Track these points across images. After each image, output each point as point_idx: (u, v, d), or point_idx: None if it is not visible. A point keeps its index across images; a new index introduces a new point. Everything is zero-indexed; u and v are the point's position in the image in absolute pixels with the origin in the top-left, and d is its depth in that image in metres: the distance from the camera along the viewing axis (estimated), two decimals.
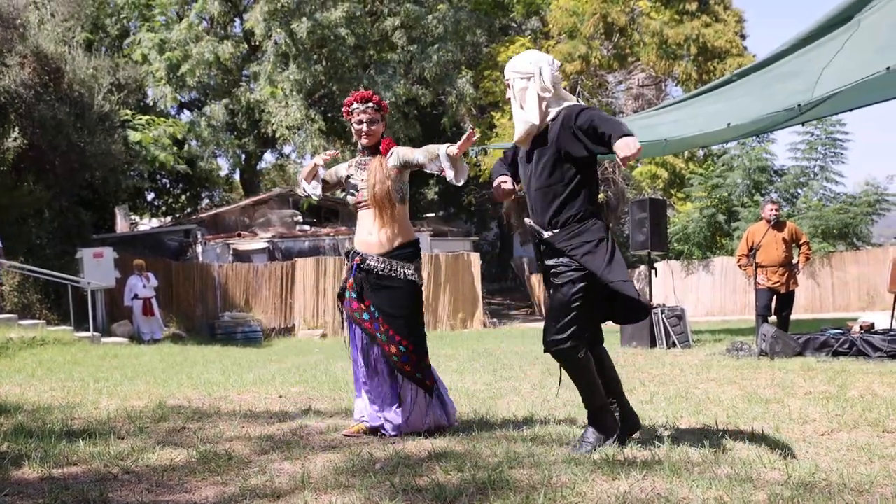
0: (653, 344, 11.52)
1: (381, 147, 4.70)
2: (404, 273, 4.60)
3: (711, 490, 3.16)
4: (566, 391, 6.71)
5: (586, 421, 4.22)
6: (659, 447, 4.04)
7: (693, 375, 7.62)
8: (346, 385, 7.04)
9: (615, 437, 4.13)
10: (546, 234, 4.09)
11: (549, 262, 4.11)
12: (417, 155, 4.59)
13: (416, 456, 4.03)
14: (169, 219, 30.48)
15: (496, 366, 9.36)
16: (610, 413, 4.19)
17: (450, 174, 4.48)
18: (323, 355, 12.83)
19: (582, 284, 3.99)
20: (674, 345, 11.42)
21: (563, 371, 4.17)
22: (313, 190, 4.91)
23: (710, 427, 4.58)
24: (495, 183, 4.34)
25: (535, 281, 29.28)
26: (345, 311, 4.73)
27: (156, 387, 7.26)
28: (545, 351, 4.11)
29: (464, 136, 4.41)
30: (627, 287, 3.93)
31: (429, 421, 4.64)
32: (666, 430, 4.53)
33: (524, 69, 4.20)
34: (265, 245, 23.48)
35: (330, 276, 21.62)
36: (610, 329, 15.37)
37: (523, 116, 4.15)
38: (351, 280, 4.64)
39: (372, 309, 4.57)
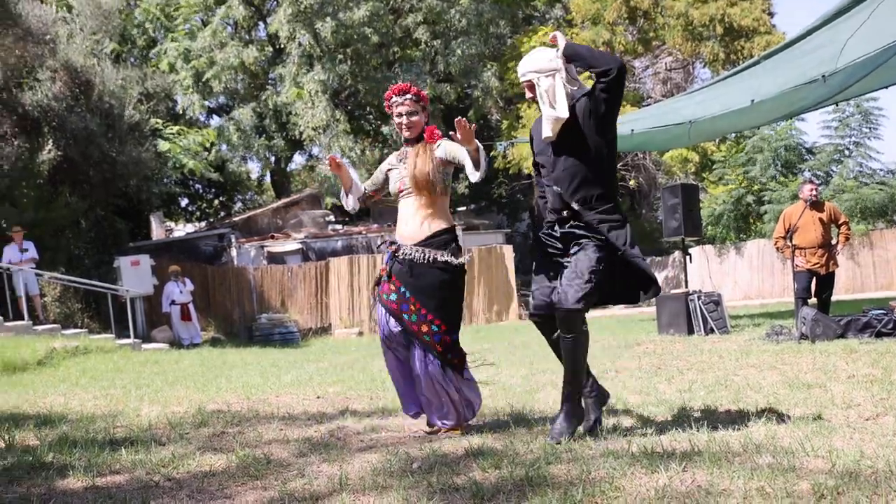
0: (690, 331, 11.40)
1: (426, 134, 4.67)
2: (439, 257, 4.55)
3: (753, 481, 3.11)
4: (602, 381, 6.69)
5: (561, 405, 4.29)
6: (699, 437, 3.99)
7: (732, 362, 7.53)
8: (383, 383, 7.06)
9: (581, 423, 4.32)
10: (575, 205, 4.16)
11: (573, 232, 4.19)
12: (463, 154, 4.53)
13: (454, 454, 4.02)
14: (203, 224, 30.76)
15: (532, 358, 9.33)
16: (581, 401, 4.31)
17: (469, 170, 4.45)
18: (359, 354, 12.89)
19: (603, 255, 4.12)
20: (712, 331, 11.30)
21: (563, 349, 4.20)
22: (351, 203, 4.94)
23: (751, 415, 4.52)
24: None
25: None
26: (376, 309, 4.73)
27: (195, 392, 7.34)
28: (555, 306, 4.09)
29: (460, 133, 4.28)
30: (645, 263, 4.17)
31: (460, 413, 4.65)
32: (705, 419, 4.47)
33: (547, 66, 4.20)
34: (298, 246, 23.61)
35: (364, 274, 21.69)
36: (647, 316, 15.21)
37: (554, 114, 4.16)
38: (385, 266, 4.65)
39: (402, 290, 4.54)
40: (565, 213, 4.24)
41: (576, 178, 4.20)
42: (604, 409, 4.45)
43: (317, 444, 4.50)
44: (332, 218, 25.97)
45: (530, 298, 4.40)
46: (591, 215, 4.17)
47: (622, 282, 4.26)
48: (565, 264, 4.22)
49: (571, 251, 4.21)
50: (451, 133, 4.41)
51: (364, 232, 24.22)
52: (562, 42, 4.20)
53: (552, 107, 4.18)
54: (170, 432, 5.05)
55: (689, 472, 3.32)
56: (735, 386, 5.91)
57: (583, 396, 4.37)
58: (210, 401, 6.53)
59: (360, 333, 21.07)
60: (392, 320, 4.58)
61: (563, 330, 4.14)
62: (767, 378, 6.25)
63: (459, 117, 4.41)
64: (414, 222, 4.60)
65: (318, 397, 6.61)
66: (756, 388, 5.72)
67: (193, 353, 14.41)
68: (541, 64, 4.22)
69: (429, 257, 4.54)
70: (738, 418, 4.52)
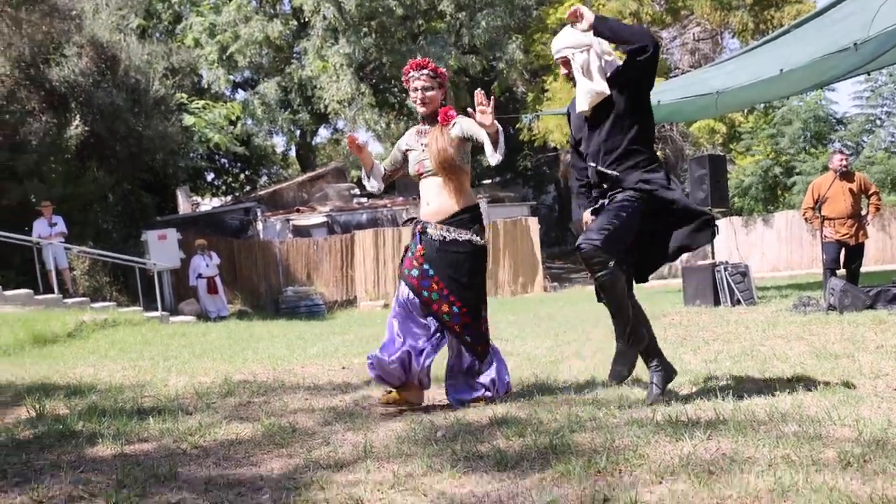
0: (717, 302, 11.33)
1: (440, 116, 4.65)
2: (464, 236, 4.54)
3: (778, 448, 3.09)
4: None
5: (649, 365, 4.32)
6: (724, 406, 3.97)
7: (759, 333, 7.48)
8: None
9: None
10: (616, 173, 4.17)
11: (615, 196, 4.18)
12: (481, 133, 4.51)
13: (478, 423, 4.03)
14: (229, 198, 30.94)
15: (557, 329, 9.32)
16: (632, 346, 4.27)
17: (489, 152, 4.41)
18: (385, 326, 12.94)
19: (639, 206, 4.11)
20: (738, 302, 11.22)
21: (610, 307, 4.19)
22: (374, 184, 4.92)
23: (777, 384, 4.48)
24: (584, 221, 4.49)
25: None
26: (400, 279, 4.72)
27: (222, 363, 7.41)
28: (577, 247, 4.10)
29: (479, 109, 4.27)
30: (698, 207, 4.20)
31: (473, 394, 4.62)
32: (731, 389, 4.45)
33: (580, 41, 4.19)
34: (324, 219, 23.69)
35: (389, 247, 21.74)
36: (673, 288, 15.10)
37: (593, 88, 4.15)
38: (421, 246, 4.60)
39: (426, 267, 4.53)
40: (605, 185, 4.25)
41: (613, 150, 4.20)
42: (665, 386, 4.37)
43: (342, 413, 4.53)
44: (356, 191, 26.00)
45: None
46: (633, 177, 4.16)
47: (678, 233, 4.22)
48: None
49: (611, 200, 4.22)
50: (468, 110, 4.38)
51: (389, 205, 24.24)
52: (589, 16, 4.11)
53: (590, 81, 4.17)
54: (197, 402, 5.11)
55: (714, 440, 3.31)
56: (761, 356, 5.86)
57: (650, 370, 4.36)
58: (236, 371, 6.59)
59: (386, 306, 21.14)
60: (411, 294, 4.56)
61: (590, 270, 4.11)
62: (794, 348, 6.20)
63: (479, 89, 4.38)
64: (437, 202, 4.59)
65: (344, 368, 6.66)
66: (783, 359, 5.67)
67: (220, 326, 14.54)
68: (575, 39, 4.20)
69: (454, 236, 4.53)
70: (764, 388, 4.48)
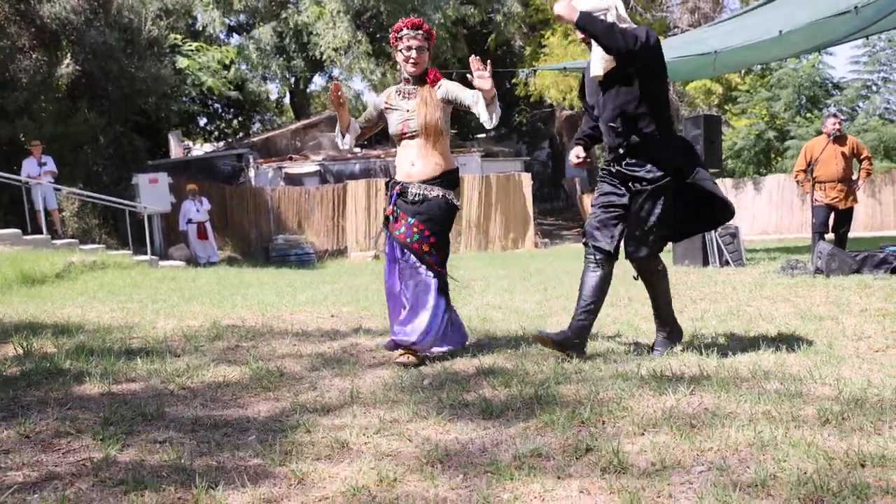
0: (706, 262, 11.38)
1: (428, 77, 4.61)
2: (441, 193, 4.56)
3: (760, 405, 3.13)
4: (612, 309, 6.71)
5: (658, 330, 4.53)
6: (708, 363, 4.01)
7: (746, 293, 7.52)
8: None
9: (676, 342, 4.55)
10: (633, 139, 4.21)
11: (634, 173, 4.24)
12: (466, 95, 4.48)
13: (464, 372, 4.07)
14: (221, 144, 30.70)
15: (547, 284, 9.36)
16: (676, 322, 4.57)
17: (484, 118, 4.38)
18: (374, 276, 12.96)
19: (666, 199, 4.20)
20: (727, 263, 11.27)
21: (646, 282, 4.42)
22: (348, 142, 4.88)
23: (761, 344, 4.53)
24: (571, 155, 4.70)
25: (587, 201, 28.94)
26: (386, 242, 4.71)
27: (211, 308, 7.41)
28: (627, 258, 4.32)
29: (476, 74, 4.23)
30: (716, 187, 4.27)
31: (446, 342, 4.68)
32: (715, 346, 4.49)
33: (598, 5, 4.15)
34: (316, 168, 23.58)
35: (381, 198, 21.70)
36: (664, 249, 15.09)
37: (607, 54, 4.09)
38: (391, 207, 4.61)
39: (410, 220, 4.54)
40: (621, 150, 4.27)
41: (628, 116, 4.21)
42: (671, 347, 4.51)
43: (329, 359, 4.56)
44: (352, 139, 25.81)
45: (588, 228, 4.37)
46: (648, 148, 4.21)
47: (696, 212, 4.33)
48: (627, 204, 4.27)
49: (633, 189, 4.25)
50: (468, 76, 4.34)
51: (382, 156, 24.13)
52: (571, 15, 4.02)
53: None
54: (185, 344, 5.13)
55: (697, 395, 3.35)
56: (747, 316, 5.91)
57: (658, 331, 4.56)
58: (225, 316, 6.61)
59: (376, 257, 21.15)
60: (398, 249, 4.57)
61: (642, 275, 4.39)
62: (780, 310, 6.25)
63: (473, 56, 4.33)
64: (422, 163, 4.58)
65: (333, 316, 6.68)
66: (768, 319, 5.72)
67: (210, 272, 14.54)
68: (592, 4, 4.16)
69: (438, 194, 4.54)
70: (748, 346, 4.53)
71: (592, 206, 4.49)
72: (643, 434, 2.87)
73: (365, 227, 21.86)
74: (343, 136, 4.89)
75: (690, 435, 2.79)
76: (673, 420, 2.98)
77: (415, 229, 4.51)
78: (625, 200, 4.28)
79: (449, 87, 4.58)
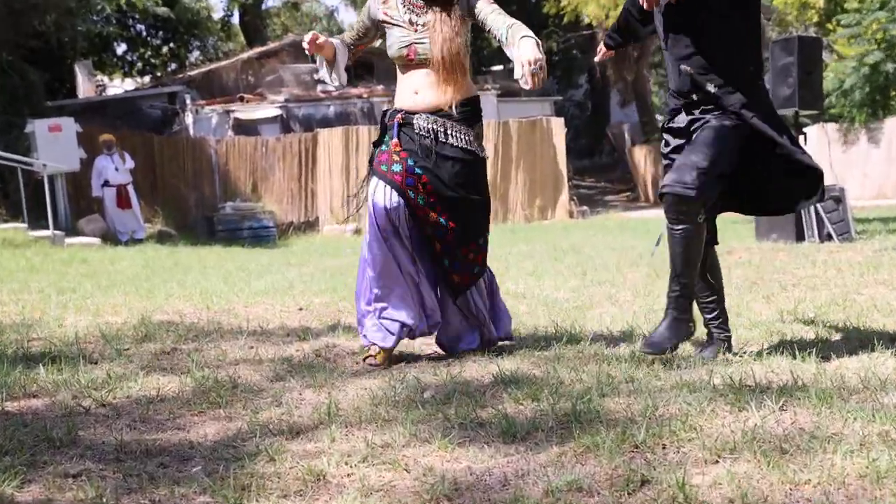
0: (800, 237, 11.38)
1: None
2: (462, 138, 4.56)
3: (875, 424, 3.15)
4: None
5: (668, 312, 4.48)
6: (804, 369, 4.03)
7: (855, 277, 7.54)
8: None
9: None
10: (711, 88, 4.28)
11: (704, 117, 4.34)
12: (498, 24, 4.47)
13: (478, 381, 4.09)
14: (147, 79, 30.67)
15: (586, 267, 9.38)
16: (691, 315, 4.54)
17: (518, 72, 4.36)
18: (355, 256, 12.96)
19: (737, 137, 4.28)
20: (829, 237, 11.28)
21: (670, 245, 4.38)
22: (337, 79, 4.90)
23: (877, 343, 4.54)
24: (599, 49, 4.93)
25: (641, 155, 28.97)
26: (370, 183, 4.69)
27: (138, 299, 7.44)
28: (660, 192, 4.32)
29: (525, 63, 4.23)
30: (810, 158, 4.36)
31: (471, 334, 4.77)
32: (814, 347, 4.51)
33: None
34: (277, 112, 23.56)
35: (363, 152, 21.65)
36: (742, 218, 15.24)
37: None
38: (396, 140, 4.60)
39: (410, 162, 4.54)
40: (694, 97, 4.37)
41: (708, 56, 4.30)
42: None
43: (298, 365, 4.59)
44: (343, 73, 25.76)
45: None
46: (731, 99, 4.29)
47: (776, 185, 4.43)
48: None
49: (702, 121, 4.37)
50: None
51: (365, 95, 24.10)
52: None
53: None
54: (103, 348, 5.15)
55: (789, 410, 3.37)
56: (857, 307, 5.93)
57: (707, 325, 4.63)
58: (157, 310, 6.64)
59: (358, 231, 21.17)
60: (394, 196, 4.54)
61: (671, 218, 4.29)
62: None
63: (527, 59, 4.26)
64: (430, 92, 4.58)
65: (301, 309, 6.70)
66: (885, 311, 5.73)
67: (134, 251, 14.55)
68: None
69: (450, 134, 4.54)
70: (858, 347, 4.54)
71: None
72: (717, 462, 2.89)
73: (342, 191, 21.85)
74: (331, 74, 4.90)
75: (781, 463, 2.81)
76: (757, 444, 2.99)
77: (421, 187, 4.54)
78: None
79: (476, 3, 4.58)
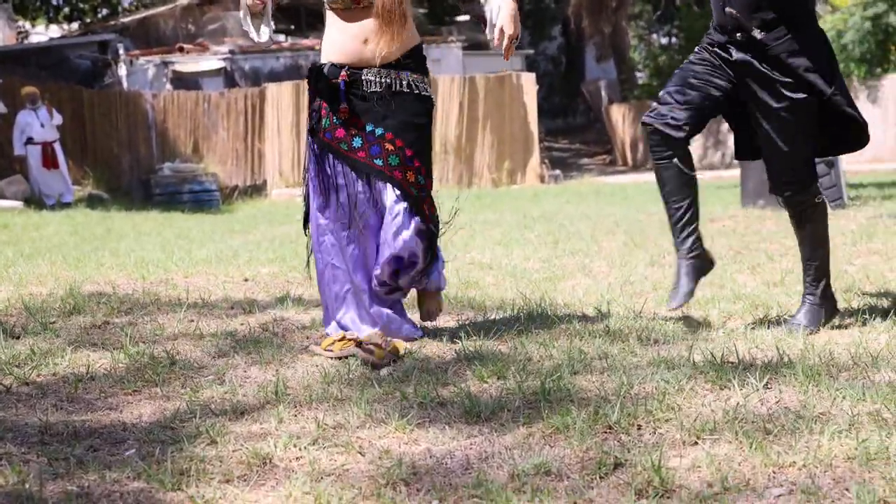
0: None
1: None
2: (417, 87, 4.55)
3: (865, 403, 3.19)
4: (652, 268, 6.78)
5: (806, 294, 4.64)
6: (790, 344, 4.08)
7: (846, 247, 7.61)
8: None
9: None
10: (758, 34, 4.37)
11: (762, 72, 4.43)
12: None
13: (439, 358, 4.12)
14: (76, 26, 30.31)
15: (558, 235, 9.41)
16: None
17: (492, 36, 4.40)
18: None
19: (813, 108, 4.45)
20: None
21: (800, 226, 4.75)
22: (265, 34, 4.82)
23: (868, 317, 4.60)
24: None
25: (618, 115, 29.02)
26: (316, 158, 4.63)
27: (65, 268, 7.38)
28: (777, 194, 4.66)
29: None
30: (855, 109, 4.52)
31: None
32: (802, 321, 4.56)
33: None
34: (220, 64, 23.38)
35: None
36: (727, 182, 15.38)
37: None
38: (345, 105, 4.55)
39: (371, 128, 4.51)
40: (739, 35, 4.44)
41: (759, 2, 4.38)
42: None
43: (243, 340, 4.58)
44: (271, 24, 25.56)
45: (657, 113, 4.60)
46: (779, 48, 4.38)
47: (824, 131, 4.61)
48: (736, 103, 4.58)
49: (760, 96, 4.47)
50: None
51: (318, 47, 23.93)
52: None
53: None
54: (27, 321, 5.11)
55: (774, 389, 3.41)
56: (848, 279, 6.00)
57: (680, 256, 4.70)
58: (87, 281, 6.58)
59: None
60: (359, 183, 4.51)
61: (796, 213, 4.77)
62: None
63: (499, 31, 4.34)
64: (377, 38, 4.54)
65: (247, 280, 6.68)
66: (879, 283, 5.81)
67: (62, 217, 14.45)
68: None
69: (408, 82, 4.52)
70: (848, 321, 4.61)
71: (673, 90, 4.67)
72: (696, 443, 2.92)
73: (292, 151, 21.77)
74: (260, 27, 4.79)
75: (764, 445, 2.84)
76: (739, 424, 3.03)
77: (389, 147, 4.47)
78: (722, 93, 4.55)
79: None
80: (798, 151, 4.50)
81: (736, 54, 4.47)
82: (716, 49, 4.55)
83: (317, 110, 4.58)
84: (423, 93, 4.57)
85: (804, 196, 4.65)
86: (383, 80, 4.49)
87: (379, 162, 4.43)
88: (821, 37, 4.59)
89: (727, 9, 4.41)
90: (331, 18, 4.63)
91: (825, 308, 4.63)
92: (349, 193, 4.50)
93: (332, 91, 4.53)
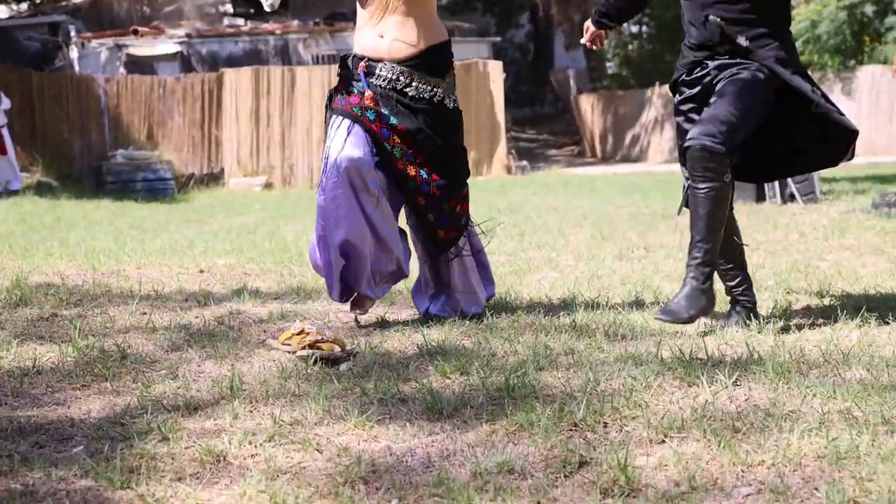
0: (760, 197, 11.54)
1: None
2: (433, 92, 4.61)
3: (836, 401, 3.22)
4: (621, 263, 6.81)
5: (687, 281, 4.45)
6: (760, 341, 4.12)
7: (819, 242, 7.68)
8: (299, 256, 7.11)
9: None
10: (743, 41, 4.43)
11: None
12: None
13: (401, 353, 4.12)
14: (24, 6, 30.05)
15: (524, 228, 9.43)
16: (712, 285, 4.51)
17: None
18: (266, 213, 12.90)
19: (767, 90, 4.44)
20: (792, 198, 11.45)
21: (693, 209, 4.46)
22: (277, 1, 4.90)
23: (840, 314, 4.63)
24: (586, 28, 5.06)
25: (587, 104, 29.11)
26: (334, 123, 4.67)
27: (11, 258, 7.34)
28: (685, 146, 4.42)
29: None
30: (843, 116, 4.47)
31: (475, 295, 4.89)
32: (772, 317, 4.60)
33: None
34: (176, 48, 23.26)
35: (276, 96, 21.50)
36: None
37: None
38: (371, 92, 4.60)
39: (384, 111, 4.57)
40: (720, 50, 4.49)
41: (740, 5, 4.42)
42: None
43: (197, 333, 4.57)
44: (229, 8, 25.49)
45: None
46: (764, 53, 4.43)
47: (812, 143, 4.62)
48: None
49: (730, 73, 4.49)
50: None
51: (278, 32, 23.86)
52: None
53: None
54: None
55: (744, 386, 3.44)
56: (820, 274, 6.04)
57: (730, 294, 4.71)
58: (34, 271, 6.55)
59: (269, 185, 21.08)
60: (368, 141, 4.55)
61: (697, 176, 4.35)
62: (869, 265, 6.40)
63: None
64: (396, 34, 4.56)
65: (202, 272, 6.67)
66: (850, 279, 5.85)
67: (9, 204, 14.36)
68: None
69: (420, 88, 4.56)
70: (820, 318, 4.64)
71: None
72: (663, 441, 2.94)
73: (251, 139, 21.69)
74: None
75: (732, 443, 2.86)
76: (707, 422, 3.05)
77: (397, 139, 4.60)
78: None
79: None
80: (737, 103, 4.37)
81: (713, 63, 4.52)
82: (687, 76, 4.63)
83: (335, 90, 4.77)
84: (435, 98, 4.65)
85: (715, 153, 4.34)
86: (395, 77, 4.55)
87: (386, 145, 4.58)
88: (795, 48, 4.68)
89: (711, 17, 4.43)
90: (358, 11, 4.74)
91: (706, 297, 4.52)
92: (355, 152, 4.56)
93: (352, 79, 4.68)
